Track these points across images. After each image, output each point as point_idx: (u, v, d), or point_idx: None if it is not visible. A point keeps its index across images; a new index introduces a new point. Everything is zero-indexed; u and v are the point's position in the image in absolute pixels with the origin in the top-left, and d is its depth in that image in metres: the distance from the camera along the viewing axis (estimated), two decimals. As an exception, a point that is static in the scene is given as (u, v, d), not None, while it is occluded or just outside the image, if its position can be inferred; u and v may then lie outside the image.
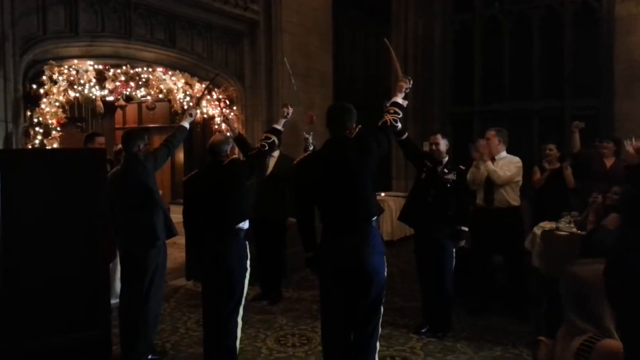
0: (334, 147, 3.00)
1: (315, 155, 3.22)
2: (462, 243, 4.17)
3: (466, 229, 4.15)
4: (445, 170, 4.18)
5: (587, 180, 5.13)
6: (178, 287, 5.64)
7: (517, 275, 4.60)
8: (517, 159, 4.58)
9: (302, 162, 3.15)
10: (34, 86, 4.68)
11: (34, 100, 4.64)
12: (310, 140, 4.93)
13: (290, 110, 3.80)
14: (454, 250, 4.17)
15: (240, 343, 3.49)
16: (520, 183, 4.57)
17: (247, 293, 3.54)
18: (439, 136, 4.28)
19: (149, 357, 3.72)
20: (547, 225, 4.50)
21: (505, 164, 4.52)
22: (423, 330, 4.20)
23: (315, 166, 3.04)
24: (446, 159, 4.25)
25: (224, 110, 6.20)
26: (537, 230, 4.51)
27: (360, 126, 3.08)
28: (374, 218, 3.01)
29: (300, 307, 4.92)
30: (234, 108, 6.49)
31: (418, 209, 4.21)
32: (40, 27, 4.77)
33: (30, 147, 4.51)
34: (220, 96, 6.35)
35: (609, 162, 5.10)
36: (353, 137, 3.01)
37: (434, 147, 4.23)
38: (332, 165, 2.94)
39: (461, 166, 4.32)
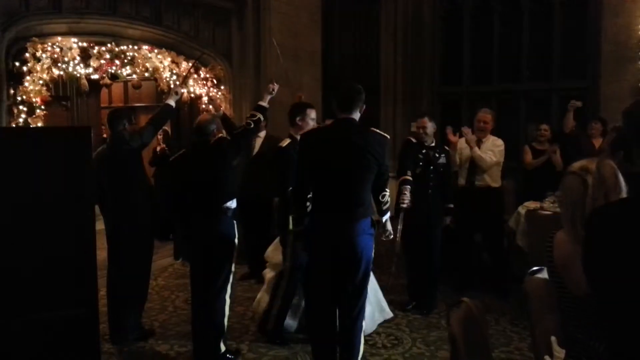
0: (341, 128, 2.98)
1: (322, 131, 3.20)
2: (448, 220, 4.24)
3: (452, 206, 4.24)
4: (437, 155, 4.21)
5: (577, 160, 5.16)
6: (166, 266, 5.66)
7: (499, 253, 4.69)
8: (500, 142, 4.62)
9: (308, 135, 3.13)
10: (17, 64, 4.60)
11: (17, 78, 4.57)
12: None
13: (276, 86, 3.76)
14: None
15: (228, 321, 3.53)
16: (501, 165, 4.62)
17: (235, 272, 3.57)
18: (426, 119, 4.26)
19: (137, 335, 3.75)
20: (532, 205, 4.56)
21: (489, 147, 4.56)
22: (409, 307, 4.27)
23: (319, 142, 3.02)
24: (434, 142, 4.27)
25: (210, 89, 6.14)
26: (522, 210, 4.58)
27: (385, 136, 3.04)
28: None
29: (288, 286, 4.96)
30: (222, 87, 6.43)
31: (421, 204, 4.12)
32: (23, 3, 4.67)
33: (14, 125, 4.45)
34: (208, 75, 6.29)
35: (597, 142, 5.15)
36: (368, 131, 2.99)
37: (421, 131, 4.23)
38: (336, 144, 2.92)
39: (446, 147, 4.37)
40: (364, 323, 3.12)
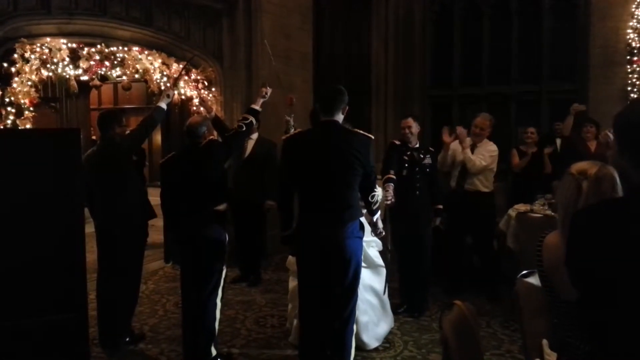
0: (324, 131, 2.98)
1: (305, 134, 3.21)
2: (438, 222, 4.26)
3: (441, 206, 4.25)
4: (422, 156, 4.23)
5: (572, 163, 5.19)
6: (157, 269, 5.62)
7: (489, 256, 4.70)
8: (494, 148, 4.61)
9: (292, 139, 3.13)
10: (5, 64, 4.55)
11: (5, 79, 4.52)
12: (292, 122, 4.91)
13: (269, 90, 3.75)
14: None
15: (220, 324, 3.50)
16: (495, 171, 4.63)
17: (226, 275, 3.55)
18: (410, 120, 4.28)
19: (127, 339, 3.72)
20: (522, 207, 4.58)
21: (482, 152, 4.57)
22: (400, 310, 4.27)
23: (302, 146, 3.02)
24: (418, 144, 4.28)
25: (201, 91, 6.12)
26: (512, 212, 4.60)
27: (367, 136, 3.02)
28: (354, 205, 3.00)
29: (279, 289, 4.96)
30: (213, 89, 6.40)
31: (409, 205, 4.16)
32: (11, 2, 4.61)
33: (2, 127, 4.40)
34: (199, 77, 6.26)
35: (592, 145, 5.19)
36: (351, 132, 2.99)
37: (407, 130, 4.25)
38: (319, 147, 2.92)
39: (431, 148, 4.39)
40: (354, 327, 3.12)
